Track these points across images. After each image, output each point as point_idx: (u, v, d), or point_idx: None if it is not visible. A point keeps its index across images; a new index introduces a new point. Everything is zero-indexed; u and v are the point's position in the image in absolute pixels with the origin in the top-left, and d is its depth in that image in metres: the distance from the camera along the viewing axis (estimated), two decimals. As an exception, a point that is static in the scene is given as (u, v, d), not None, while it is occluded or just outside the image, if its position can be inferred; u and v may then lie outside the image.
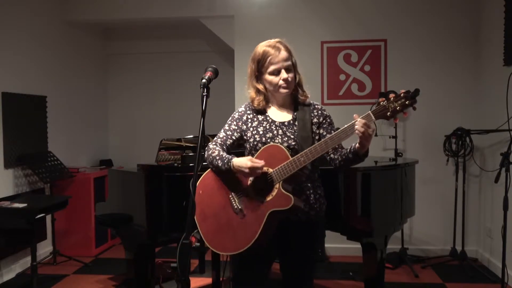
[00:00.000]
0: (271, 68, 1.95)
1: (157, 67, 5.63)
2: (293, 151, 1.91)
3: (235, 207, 1.92)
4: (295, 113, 2.03)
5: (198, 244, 1.56)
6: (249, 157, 1.89)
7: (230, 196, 1.96)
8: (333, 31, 4.52)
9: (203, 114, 1.63)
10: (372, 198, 2.65)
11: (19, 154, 4.00)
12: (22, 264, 4.06)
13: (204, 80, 1.70)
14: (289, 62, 1.97)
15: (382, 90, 4.43)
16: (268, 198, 1.86)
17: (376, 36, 4.47)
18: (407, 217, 2.94)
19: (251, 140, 1.99)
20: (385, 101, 1.75)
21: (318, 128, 2.02)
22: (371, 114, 1.75)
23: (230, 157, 1.92)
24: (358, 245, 2.72)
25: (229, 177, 1.96)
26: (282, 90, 1.96)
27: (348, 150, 1.90)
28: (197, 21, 4.75)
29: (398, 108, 1.74)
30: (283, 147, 1.88)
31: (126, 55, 5.69)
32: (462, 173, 4.21)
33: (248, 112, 2.06)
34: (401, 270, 4.06)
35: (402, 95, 1.75)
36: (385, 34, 4.46)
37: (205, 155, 2.01)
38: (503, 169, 3.00)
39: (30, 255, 3.35)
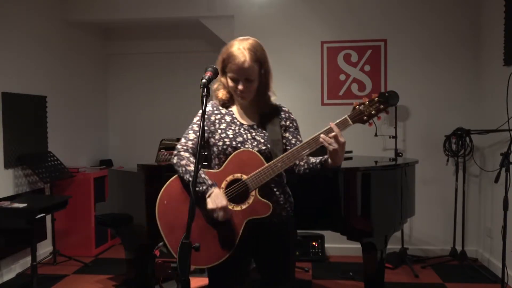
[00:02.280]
0: (230, 74, 1.85)
1: (157, 67, 5.63)
2: (264, 156, 1.84)
3: (207, 217, 1.81)
4: (261, 115, 1.96)
5: (198, 244, 1.52)
6: (225, 201, 1.74)
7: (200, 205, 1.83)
8: (333, 31, 4.52)
9: (203, 114, 1.63)
10: (372, 198, 2.65)
11: (19, 154, 4.00)
12: (22, 264, 4.06)
13: (204, 80, 1.67)
14: (251, 74, 1.83)
15: (382, 90, 4.43)
16: (244, 206, 1.80)
17: (376, 36, 4.47)
18: (407, 217, 2.94)
19: (220, 143, 1.88)
20: (360, 105, 1.80)
21: (285, 131, 1.97)
22: (348, 119, 1.78)
23: (211, 183, 1.78)
24: (358, 245, 2.72)
25: None
26: (240, 99, 1.91)
27: (318, 160, 1.87)
28: (197, 21, 4.75)
29: (373, 112, 1.79)
30: (256, 152, 1.82)
31: (126, 55, 5.69)
32: (462, 173, 4.21)
33: (216, 112, 1.96)
34: (401, 270, 4.06)
35: (376, 99, 1.79)
36: (385, 34, 4.46)
37: (174, 161, 1.88)
38: (503, 169, 2.99)
39: (30, 255, 3.35)
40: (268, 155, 1.85)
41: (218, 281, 1.95)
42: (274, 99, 2.00)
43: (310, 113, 4.47)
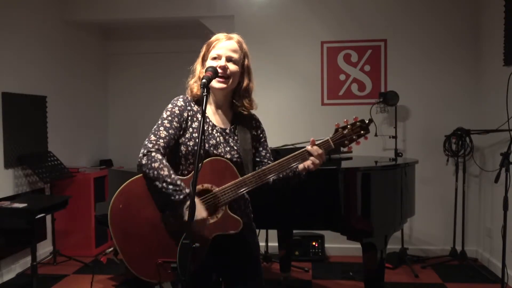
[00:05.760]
0: (213, 52, 1.78)
1: (157, 67, 5.63)
2: (236, 164, 1.75)
3: (169, 228, 1.67)
4: (234, 121, 1.86)
5: (198, 244, 1.47)
6: (205, 213, 1.62)
7: (163, 214, 1.69)
8: (333, 31, 4.51)
9: (203, 114, 1.62)
10: (372, 198, 2.64)
11: (19, 154, 4.00)
12: (22, 264, 4.06)
13: (204, 80, 1.63)
14: (234, 55, 1.78)
15: (382, 90, 4.43)
16: (212, 220, 1.67)
17: (376, 36, 4.47)
18: (407, 217, 2.94)
19: (190, 143, 1.74)
20: (344, 128, 1.81)
21: (256, 141, 1.88)
22: (331, 142, 1.80)
23: (188, 192, 1.60)
24: (358, 245, 2.71)
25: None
26: (216, 83, 1.74)
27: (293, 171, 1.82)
28: (197, 21, 4.75)
29: (354, 137, 1.82)
30: (231, 164, 1.73)
31: (126, 55, 5.69)
32: (462, 173, 4.21)
33: (188, 108, 1.81)
34: (401, 270, 4.06)
35: (358, 124, 1.81)
36: (385, 34, 4.46)
37: (144, 162, 1.66)
38: (503, 169, 2.99)
39: (30, 255, 3.35)
40: (239, 165, 1.77)
41: None
42: (254, 111, 1.91)
43: (310, 113, 4.47)
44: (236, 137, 1.81)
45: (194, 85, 1.83)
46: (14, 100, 3.97)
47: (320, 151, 1.76)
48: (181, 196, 1.60)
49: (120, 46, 5.69)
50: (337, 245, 4.40)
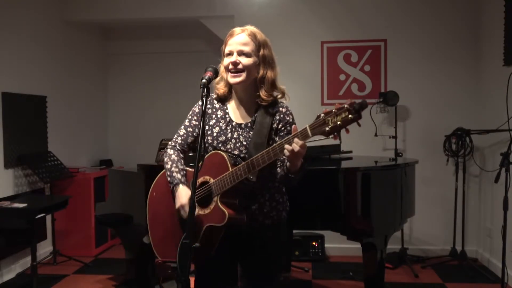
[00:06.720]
0: (226, 49, 1.81)
1: (157, 67, 5.63)
2: (243, 159, 1.75)
3: (179, 216, 1.81)
4: (255, 115, 1.83)
5: (198, 244, 1.52)
6: (184, 199, 1.74)
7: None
8: (333, 31, 4.51)
9: (203, 114, 1.63)
10: (372, 198, 2.64)
11: (19, 154, 4.00)
12: (22, 264, 4.06)
13: (204, 80, 1.66)
14: (246, 48, 1.78)
15: (382, 90, 4.43)
16: (207, 212, 1.74)
17: (376, 36, 4.47)
18: (407, 217, 2.94)
19: (205, 140, 1.82)
20: (327, 114, 1.50)
21: (276, 134, 1.82)
22: (308, 130, 1.54)
23: (179, 181, 1.80)
24: (358, 245, 2.72)
25: None
26: (231, 78, 1.78)
27: (284, 166, 1.73)
28: (197, 21, 4.75)
29: (339, 123, 1.46)
30: (225, 156, 1.73)
31: (126, 55, 5.69)
32: (462, 173, 4.21)
33: (208, 106, 1.89)
34: (401, 270, 4.06)
35: (345, 107, 1.46)
36: (385, 34, 4.46)
37: (164, 159, 1.91)
38: (503, 169, 2.99)
39: (30, 255, 3.35)
40: (246, 160, 1.73)
41: (203, 283, 1.94)
42: (286, 102, 1.92)
43: (310, 113, 4.41)
44: (251, 132, 1.81)
45: (217, 85, 1.89)
46: (14, 100, 3.97)
47: (300, 142, 1.56)
48: (171, 186, 1.83)
49: (120, 46, 5.69)
50: (337, 245, 4.40)
